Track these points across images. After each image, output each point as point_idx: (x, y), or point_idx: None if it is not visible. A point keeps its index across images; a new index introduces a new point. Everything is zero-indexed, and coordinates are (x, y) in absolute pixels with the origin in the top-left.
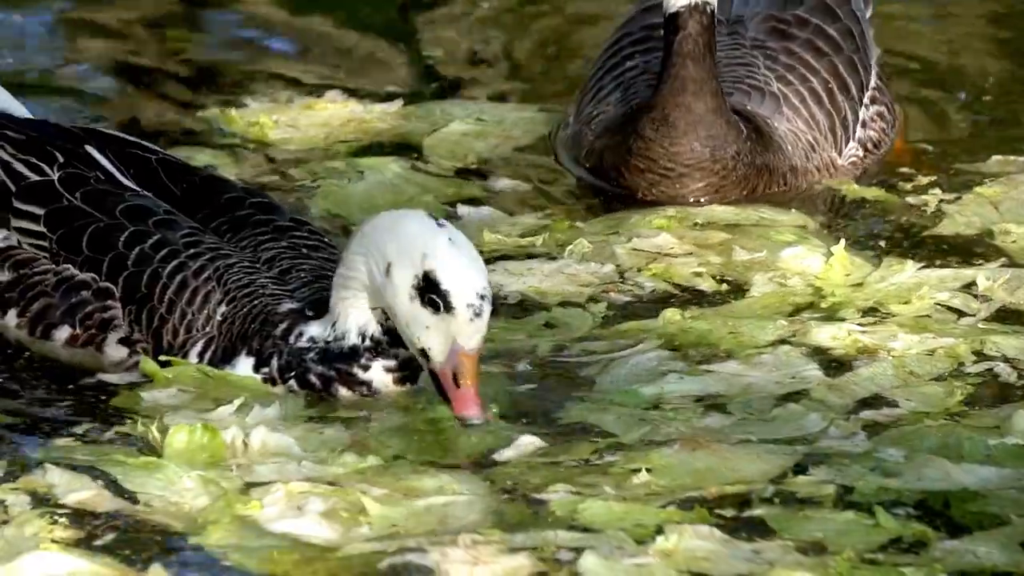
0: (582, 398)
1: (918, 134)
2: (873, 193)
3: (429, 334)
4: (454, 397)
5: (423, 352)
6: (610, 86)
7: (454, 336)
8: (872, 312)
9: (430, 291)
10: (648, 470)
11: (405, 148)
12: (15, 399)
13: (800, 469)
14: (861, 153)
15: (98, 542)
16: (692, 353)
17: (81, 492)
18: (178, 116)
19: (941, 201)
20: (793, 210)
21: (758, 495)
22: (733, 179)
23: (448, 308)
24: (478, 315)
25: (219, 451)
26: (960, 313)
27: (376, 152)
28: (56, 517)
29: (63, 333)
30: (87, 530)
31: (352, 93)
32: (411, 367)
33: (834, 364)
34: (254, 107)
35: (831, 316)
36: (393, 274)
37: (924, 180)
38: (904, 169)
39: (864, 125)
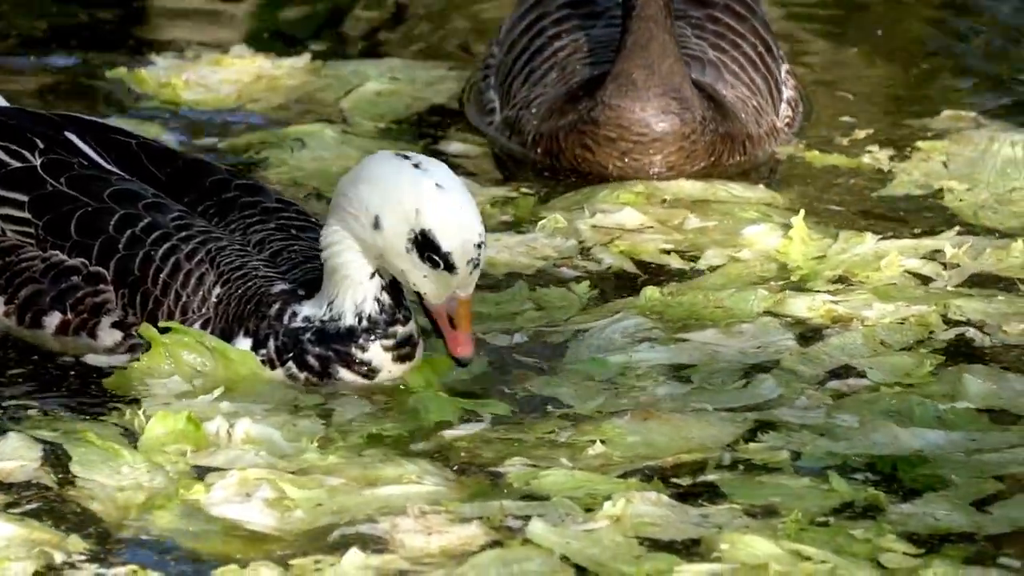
0: (543, 368)
1: (855, 90)
2: (832, 160)
3: (426, 282)
4: (450, 338)
5: (418, 295)
6: (543, 68)
7: (454, 287)
8: (842, 281)
9: (428, 249)
10: (602, 442)
11: (320, 107)
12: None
13: (751, 436)
14: (790, 113)
15: (16, 509)
16: (670, 324)
17: (18, 462)
18: (86, 80)
19: (891, 159)
20: (761, 185)
21: (713, 463)
22: (702, 145)
23: (449, 268)
24: (477, 266)
25: (201, 441)
26: (927, 280)
27: (292, 110)
28: None
29: (54, 320)
30: (10, 497)
31: (257, 49)
32: (409, 343)
33: (808, 334)
34: (162, 65)
35: (803, 288)
36: (384, 226)
37: (865, 137)
38: (845, 131)
39: (785, 84)
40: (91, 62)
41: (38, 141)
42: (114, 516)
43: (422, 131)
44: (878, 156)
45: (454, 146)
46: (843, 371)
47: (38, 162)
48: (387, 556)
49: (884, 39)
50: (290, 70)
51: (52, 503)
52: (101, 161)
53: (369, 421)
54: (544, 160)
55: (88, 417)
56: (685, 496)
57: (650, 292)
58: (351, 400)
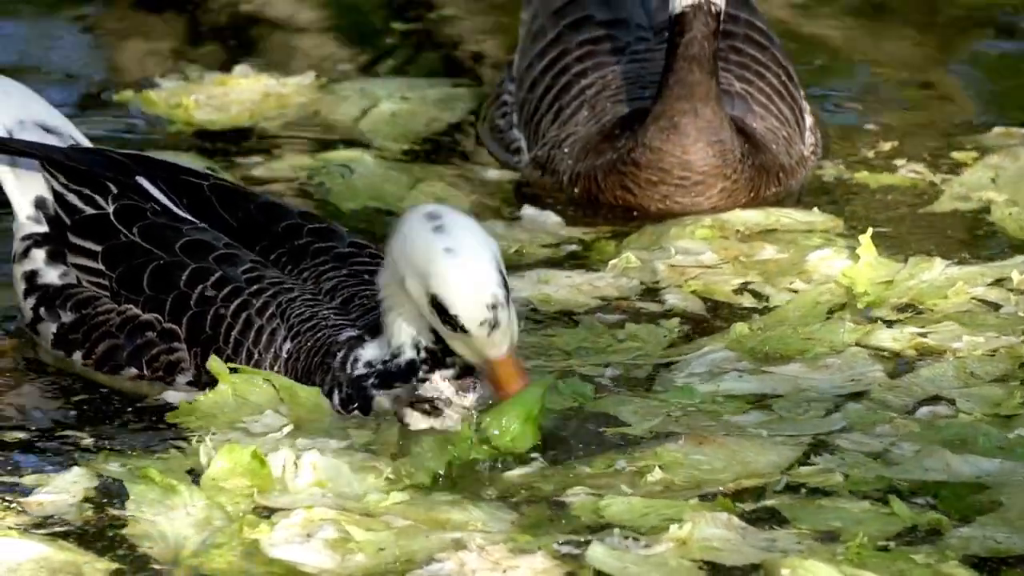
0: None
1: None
2: (882, 179)
3: (457, 345)
4: (499, 391)
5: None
6: (572, 106)
7: (479, 350)
8: (910, 308)
9: (441, 312)
10: (661, 467)
11: (338, 129)
12: (73, 406)
13: (806, 461)
14: (814, 141)
15: (67, 541)
16: (759, 357)
17: (73, 496)
18: (91, 103)
19: (939, 176)
20: (815, 209)
21: (771, 487)
22: (742, 183)
23: (463, 331)
24: (494, 327)
25: (266, 481)
26: (996, 307)
27: (310, 132)
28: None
29: (130, 374)
30: (62, 529)
31: (260, 68)
32: (471, 373)
33: (900, 366)
34: (167, 86)
35: (873, 316)
36: (409, 287)
37: (912, 155)
38: (890, 148)
39: (805, 111)
40: (96, 86)
41: (111, 186)
42: (167, 555)
43: (453, 151)
44: (925, 173)
45: (491, 172)
46: (932, 401)
47: (111, 209)
48: None
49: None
50: (297, 88)
51: (104, 538)
52: (173, 207)
53: (436, 460)
54: (582, 199)
55: (152, 453)
56: (746, 519)
57: (739, 328)
58: (420, 439)
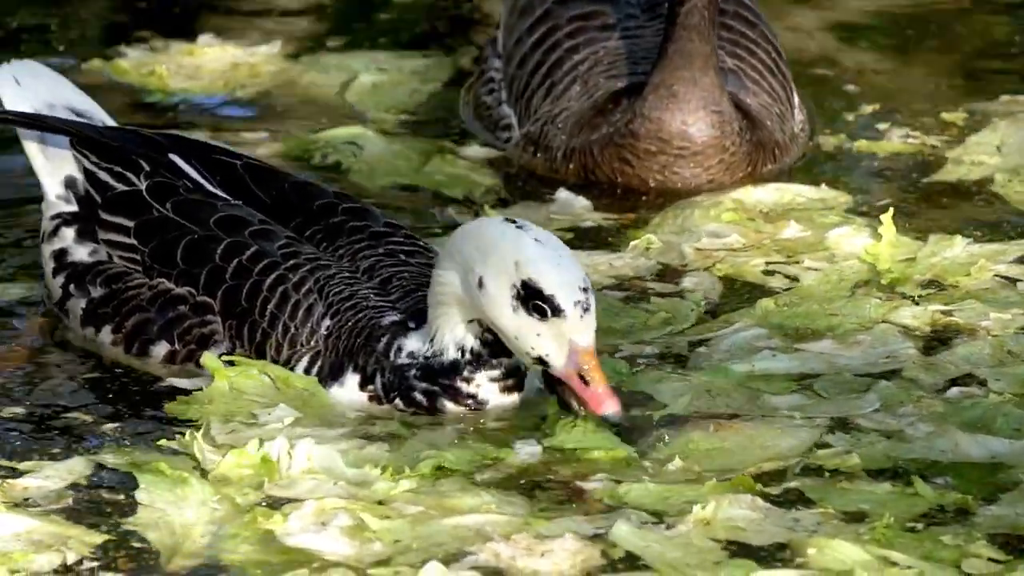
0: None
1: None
2: (887, 147)
3: (542, 341)
4: (588, 398)
5: (540, 359)
6: (564, 82)
7: (568, 337)
8: (933, 285)
9: (533, 298)
10: (681, 457)
11: (324, 102)
12: (91, 397)
13: (823, 443)
14: (803, 117)
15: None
16: (788, 334)
17: (75, 483)
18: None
19: (944, 145)
20: (823, 185)
21: (791, 469)
22: (740, 156)
23: (557, 312)
24: (587, 310)
25: (273, 474)
26: (1017, 283)
27: (298, 107)
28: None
29: (161, 349)
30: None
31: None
32: (517, 374)
33: (933, 343)
34: (134, 56)
35: (898, 293)
36: (488, 286)
37: (918, 124)
38: (898, 118)
39: (794, 87)
40: (65, 57)
41: (143, 163)
42: (173, 546)
43: (451, 124)
44: (931, 143)
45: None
46: (964, 380)
47: (143, 186)
48: None
49: (937, 27)
50: (266, 58)
51: (94, 516)
52: (206, 184)
53: (440, 448)
54: (576, 175)
55: (156, 443)
56: (772, 501)
57: (765, 303)
58: (422, 427)
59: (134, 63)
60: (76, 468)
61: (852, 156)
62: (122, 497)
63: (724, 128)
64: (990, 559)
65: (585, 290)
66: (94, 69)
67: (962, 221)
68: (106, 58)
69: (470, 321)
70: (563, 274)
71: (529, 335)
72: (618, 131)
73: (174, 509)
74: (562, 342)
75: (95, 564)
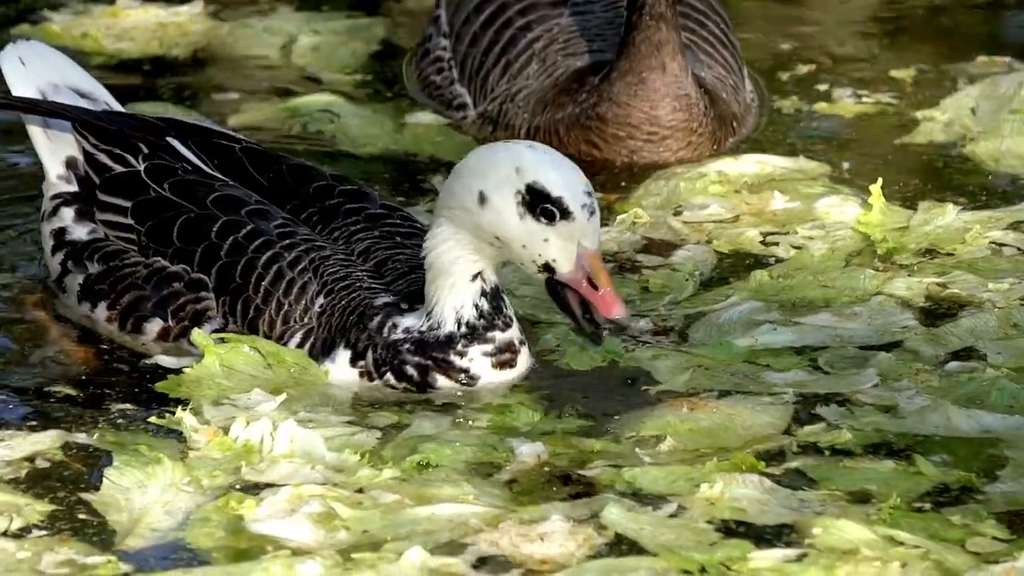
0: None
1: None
2: (860, 109)
3: (550, 246)
4: (597, 302)
5: (547, 266)
6: (520, 60)
7: (578, 239)
8: (929, 254)
9: (540, 202)
10: (666, 437)
11: (269, 62)
12: (77, 374)
13: (809, 419)
14: (752, 86)
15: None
16: (785, 307)
17: (43, 455)
18: None
19: (921, 107)
20: (801, 156)
21: (789, 448)
22: (707, 135)
23: (566, 214)
24: (593, 212)
25: (252, 455)
26: (1017, 250)
27: (244, 67)
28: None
29: (155, 326)
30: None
31: None
32: (510, 350)
33: (935, 315)
34: (60, 20)
35: (893, 263)
36: (491, 199)
37: (891, 86)
38: (873, 79)
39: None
40: None
41: (141, 146)
42: (128, 524)
43: (402, 88)
44: (907, 105)
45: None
46: (965, 353)
47: (141, 167)
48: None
49: None
50: (191, 17)
51: (50, 488)
52: (204, 166)
53: (426, 432)
54: None
55: (147, 423)
56: (777, 482)
57: (760, 275)
58: (420, 417)
59: (63, 27)
60: (45, 440)
61: (817, 119)
62: (89, 473)
63: (692, 110)
64: (995, 538)
65: (589, 193)
66: (24, 34)
67: (946, 186)
68: (32, 23)
69: (474, 278)
70: (566, 176)
71: (536, 241)
72: (584, 112)
73: (138, 489)
74: (570, 246)
75: (42, 533)
